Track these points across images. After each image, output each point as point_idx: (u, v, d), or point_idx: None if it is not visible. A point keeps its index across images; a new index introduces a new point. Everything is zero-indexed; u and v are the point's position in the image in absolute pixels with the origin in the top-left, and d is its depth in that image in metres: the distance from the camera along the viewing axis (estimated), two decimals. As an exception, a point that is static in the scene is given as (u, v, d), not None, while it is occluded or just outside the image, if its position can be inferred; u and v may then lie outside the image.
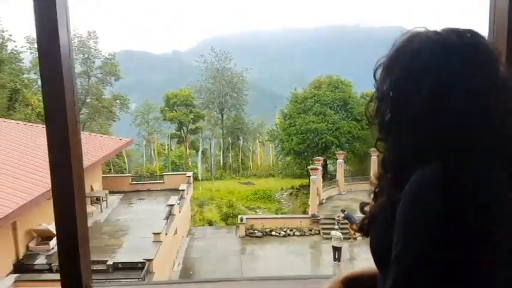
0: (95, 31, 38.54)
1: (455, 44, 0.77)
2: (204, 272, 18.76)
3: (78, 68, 37.86)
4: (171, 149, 41.64)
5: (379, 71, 0.85)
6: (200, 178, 36.71)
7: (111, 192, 20.52)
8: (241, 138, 45.29)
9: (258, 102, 78.96)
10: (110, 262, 13.48)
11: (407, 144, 0.81)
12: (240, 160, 43.66)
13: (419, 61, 0.78)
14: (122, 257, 14.52)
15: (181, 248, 20.45)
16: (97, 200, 19.07)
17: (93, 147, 18.36)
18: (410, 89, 0.78)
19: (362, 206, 0.95)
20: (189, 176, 23.68)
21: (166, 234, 16.03)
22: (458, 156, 0.74)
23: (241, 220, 23.05)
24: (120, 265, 13.48)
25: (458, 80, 0.75)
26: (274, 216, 26.24)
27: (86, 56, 37.61)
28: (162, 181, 23.31)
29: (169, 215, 17.39)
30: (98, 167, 19.42)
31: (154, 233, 15.23)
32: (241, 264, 19.49)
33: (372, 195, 0.91)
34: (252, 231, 22.69)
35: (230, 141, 44.57)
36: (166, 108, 42.79)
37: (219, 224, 26.25)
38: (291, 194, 33.85)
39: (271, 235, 22.55)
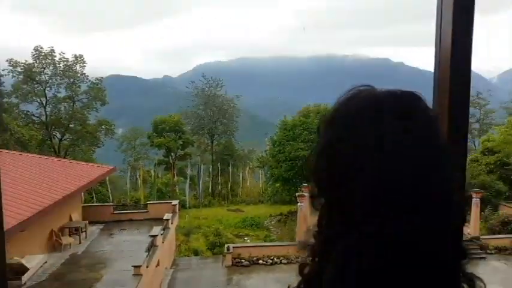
0: (82, 55, 38.32)
1: (390, 109, 0.75)
2: (187, 306, 17.99)
3: (62, 93, 37.45)
4: (158, 176, 40.87)
5: (322, 125, 0.83)
6: (188, 206, 35.96)
7: (91, 223, 19.87)
8: (231, 164, 44.78)
9: (249, 128, 78.96)
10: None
11: (336, 206, 0.76)
12: (229, 187, 43.09)
13: (352, 123, 0.77)
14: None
15: (164, 280, 19.69)
16: (76, 231, 18.38)
17: (73, 175, 17.78)
18: (343, 149, 0.76)
19: (301, 267, 0.84)
20: (175, 205, 23.05)
21: (147, 266, 15.44)
22: (393, 223, 0.69)
23: (228, 249, 22.58)
24: (97, 301, 12.83)
25: (388, 145, 0.73)
26: (262, 244, 25.74)
27: (72, 80, 37.24)
28: (145, 210, 22.64)
29: (152, 247, 16.82)
30: (77, 196, 18.80)
31: (134, 266, 14.68)
32: (227, 297, 18.84)
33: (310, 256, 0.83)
34: (238, 260, 22.17)
35: (220, 168, 44.02)
36: (154, 134, 42.24)
37: (206, 254, 25.49)
38: (279, 220, 33.45)
39: (258, 263, 22.09)
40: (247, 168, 46.43)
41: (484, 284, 0.72)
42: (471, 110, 47.36)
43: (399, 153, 0.71)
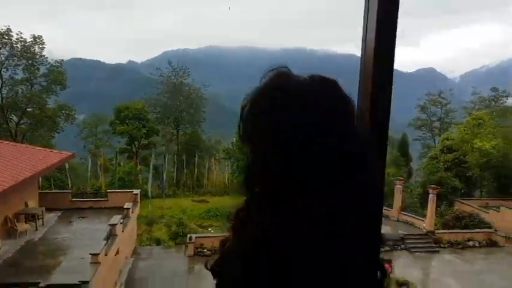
0: (41, 36, 36.38)
1: (315, 100, 0.76)
2: (147, 295, 17.85)
3: (20, 75, 35.63)
4: (120, 165, 39.80)
5: (246, 109, 0.83)
6: (151, 195, 35.34)
7: (49, 210, 19.21)
8: (197, 155, 44.27)
9: (216, 119, 78.32)
10: (42, 284, 12.69)
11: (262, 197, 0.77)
12: (194, 177, 42.66)
13: (279, 109, 0.76)
14: (57, 278, 13.73)
15: (124, 269, 19.35)
16: (32, 218, 17.74)
17: (29, 160, 17.03)
18: (266, 138, 0.77)
19: (223, 243, 0.85)
20: (136, 194, 22.61)
21: (106, 255, 15.16)
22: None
23: (190, 239, 22.51)
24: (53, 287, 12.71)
25: (312, 131, 0.74)
26: (224, 234, 25.62)
27: (30, 62, 35.40)
28: (106, 199, 22.11)
29: (111, 235, 16.47)
30: (33, 182, 18.06)
31: (92, 254, 14.35)
32: (187, 285, 18.90)
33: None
34: (201, 250, 22.13)
35: (185, 158, 43.44)
36: (116, 121, 40.94)
37: (168, 244, 25.24)
38: (244, 212, 33.57)
39: (221, 253, 22.09)
40: (214, 159, 46.07)
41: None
42: (433, 108, 49.49)
43: (319, 139, 0.72)
